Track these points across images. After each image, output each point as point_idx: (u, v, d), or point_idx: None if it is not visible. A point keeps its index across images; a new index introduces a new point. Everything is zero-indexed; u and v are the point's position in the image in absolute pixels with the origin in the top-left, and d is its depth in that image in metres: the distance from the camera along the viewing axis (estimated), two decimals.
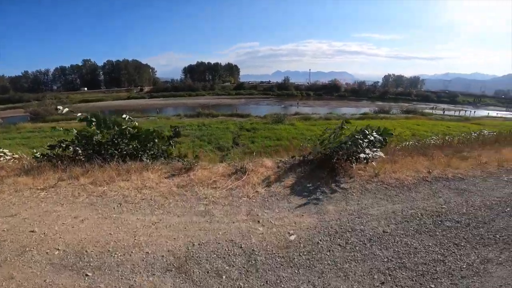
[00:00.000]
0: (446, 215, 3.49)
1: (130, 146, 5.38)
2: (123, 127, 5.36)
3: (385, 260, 2.71)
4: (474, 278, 2.52)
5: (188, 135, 20.73)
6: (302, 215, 3.44)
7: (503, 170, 5.24)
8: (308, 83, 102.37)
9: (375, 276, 2.52)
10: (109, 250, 2.85)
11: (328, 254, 2.78)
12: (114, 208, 3.63)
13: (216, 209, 3.58)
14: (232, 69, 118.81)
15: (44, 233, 3.10)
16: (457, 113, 46.39)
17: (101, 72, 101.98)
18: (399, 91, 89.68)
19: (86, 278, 2.50)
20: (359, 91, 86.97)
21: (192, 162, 4.73)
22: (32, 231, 3.13)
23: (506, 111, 62.83)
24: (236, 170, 4.52)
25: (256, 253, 2.79)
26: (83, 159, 5.13)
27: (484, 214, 3.56)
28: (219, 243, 2.94)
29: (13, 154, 5.93)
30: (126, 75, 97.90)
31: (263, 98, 76.82)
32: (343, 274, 2.55)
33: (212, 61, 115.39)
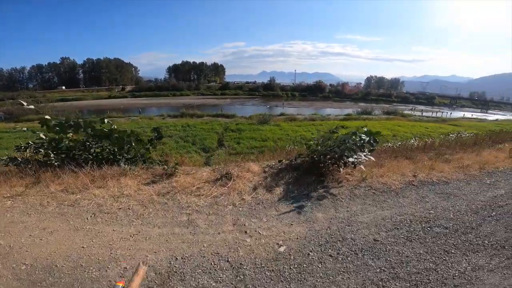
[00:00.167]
0: (435, 221, 3.48)
1: (106, 150, 4.98)
2: (96, 128, 4.95)
3: (378, 270, 2.62)
4: (467, 286, 2.49)
5: (171, 135, 20.20)
6: (291, 224, 3.29)
7: (484, 172, 5.37)
8: (293, 83, 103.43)
9: None
10: (82, 265, 2.59)
11: (320, 266, 2.65)
12: (87, 219, 3.34)
13: (200, 219, 3.36)
14: (217, 69, 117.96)
15: (10, 246, 2.82)
16: (434, 114, 48.21)
17: (80, 71, 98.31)
18: (380, 93, 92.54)
19: None
20: (343, 92, 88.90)
21: (174, 168, 4.47)
22: None
23: (480, 112, 66.20)
24: (221, 175, 4.31)
25: (244, 267, 2.61)
26: (55, 163, 4.72)
27: (471, 219, 3.58)
28: (204, 256, 2.73)
29: None
30: (107, 74, 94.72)
31: (248, 99, 76.69)
32: None
33: (198, 61, 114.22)
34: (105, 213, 3.45)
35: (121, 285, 1.61)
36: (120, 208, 3.54)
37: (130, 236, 3.03)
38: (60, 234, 3.05)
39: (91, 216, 3.39)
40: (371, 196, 4.06)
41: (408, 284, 2.46)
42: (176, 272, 2.54)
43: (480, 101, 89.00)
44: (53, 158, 4.80)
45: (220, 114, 34.91)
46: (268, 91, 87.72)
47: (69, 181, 4.12)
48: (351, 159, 4.30)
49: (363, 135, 4.54)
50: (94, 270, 2.54)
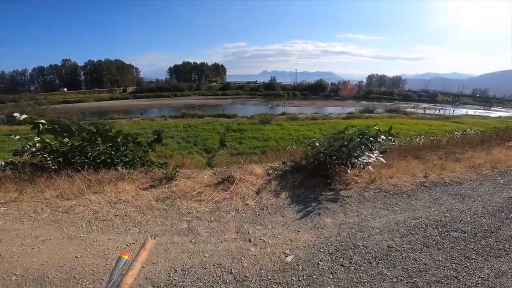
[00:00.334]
0: (451, 225, 3.27)
1: (103, 153, 4.79)
2: (93, 131, 4.76)
3: (394, 280, 2.41)
4: None
5: (173, 136, 20.04)
6: (298, 231, 3.08)
7: (497, 172, 5.15)
8: (294, 83, 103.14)
9: None
10: (75, 277, 2.41)
11: (331, 277, 2.44)
12: (82, 227, 3.15)
13: (201, 226, 3.16)
14: (218, 69, 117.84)
15: (1, 255, 2.66)
16: (437, 112, 47.82)
17: (81, 73, 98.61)
18: (382, 91, 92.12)
19: None
20: (344, 91, 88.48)
21: (174, 171, 4.28)
22: None
23: (483, 109, 65.62)
24: (223, 179, 4.11)
25: (249, 279, 2.41)
26: (52, 167, 4.55)
27: (489, 222, 3.38)
28: (205, 268, 2.54)
29: None
30: (108, 76, 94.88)
31: (249, 98, 76.55)
32: None
33: (198, 61, 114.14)
34: (101, 220, 3.26)
35: (126, 257, 1.49)
36: (116, 215, 3.35)
37: (127, 245, 2.84)
38: (53, 243, 2.88)
39: (86, 223, 3.20)
40: (381, 199, 3.85)
41: None
42: (175, 285, 2.34)
43: (482, 98, 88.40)
44: (50, 162, 4.63)
45: (222, 114, 34.76)
46: (269, 90, 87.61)
47: (64, 186, 3.94)
48: (361, 159, 4.09)
49: (378, 134, 4.34)
50: (88, 282, 2.36)
